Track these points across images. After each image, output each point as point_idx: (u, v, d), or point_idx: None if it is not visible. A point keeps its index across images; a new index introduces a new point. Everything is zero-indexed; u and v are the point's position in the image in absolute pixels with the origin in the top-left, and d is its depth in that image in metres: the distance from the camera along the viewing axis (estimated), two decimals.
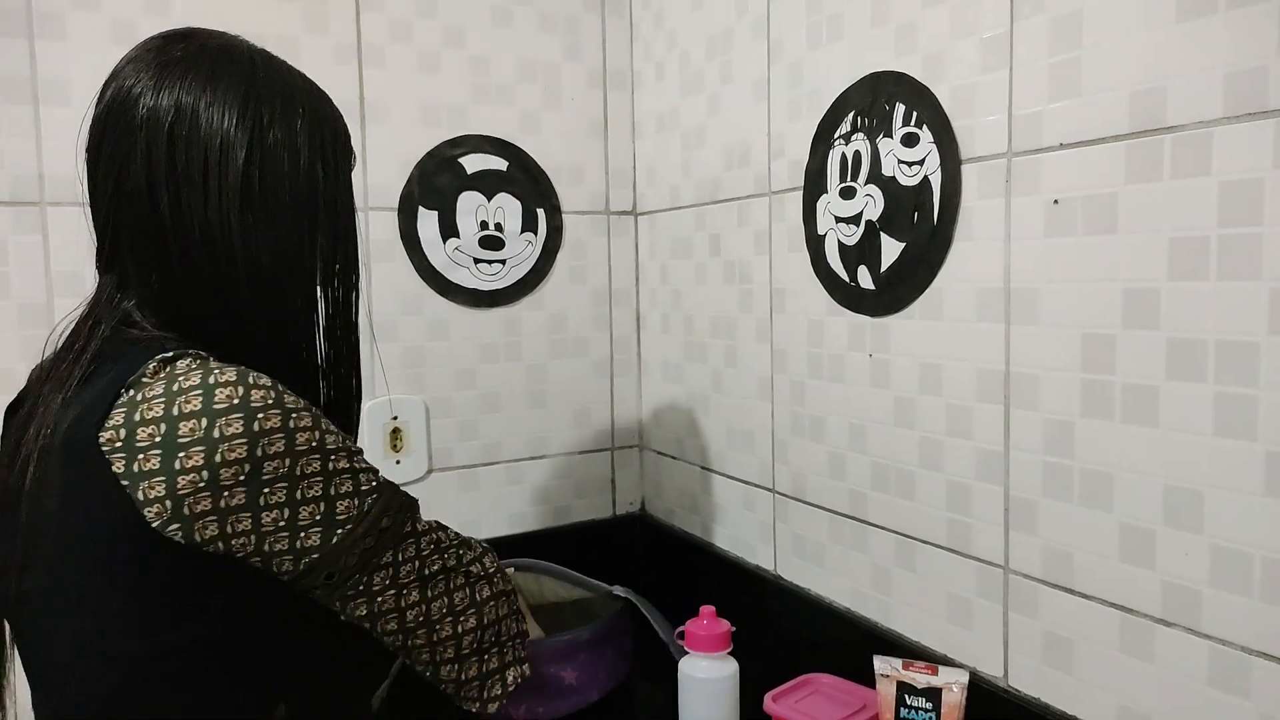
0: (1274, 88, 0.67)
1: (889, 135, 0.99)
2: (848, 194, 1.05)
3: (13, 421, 0.77)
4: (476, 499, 1.44)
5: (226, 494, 0.65)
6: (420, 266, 1.37)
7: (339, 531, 0.70)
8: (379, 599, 0.74)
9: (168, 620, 0.68)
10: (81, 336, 0.73)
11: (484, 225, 1.41)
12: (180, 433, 0.65)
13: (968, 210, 0.91)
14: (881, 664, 0.93)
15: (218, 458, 0.65)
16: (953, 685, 0.89)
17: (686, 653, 1.03)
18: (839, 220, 1.07)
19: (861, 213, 1.04)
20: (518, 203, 1.43)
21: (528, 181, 1.44)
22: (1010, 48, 0.86)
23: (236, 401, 0.66)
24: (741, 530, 1.32)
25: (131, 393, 0.66)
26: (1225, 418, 0.71)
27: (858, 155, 1.04)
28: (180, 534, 0.65)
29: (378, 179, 1.34)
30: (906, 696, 0.91)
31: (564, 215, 1.48)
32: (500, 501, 1.46)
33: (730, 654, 1.03)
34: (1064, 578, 0.85)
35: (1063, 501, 0.84)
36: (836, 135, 1.07)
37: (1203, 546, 0.74)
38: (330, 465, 0.70)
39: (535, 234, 1.45)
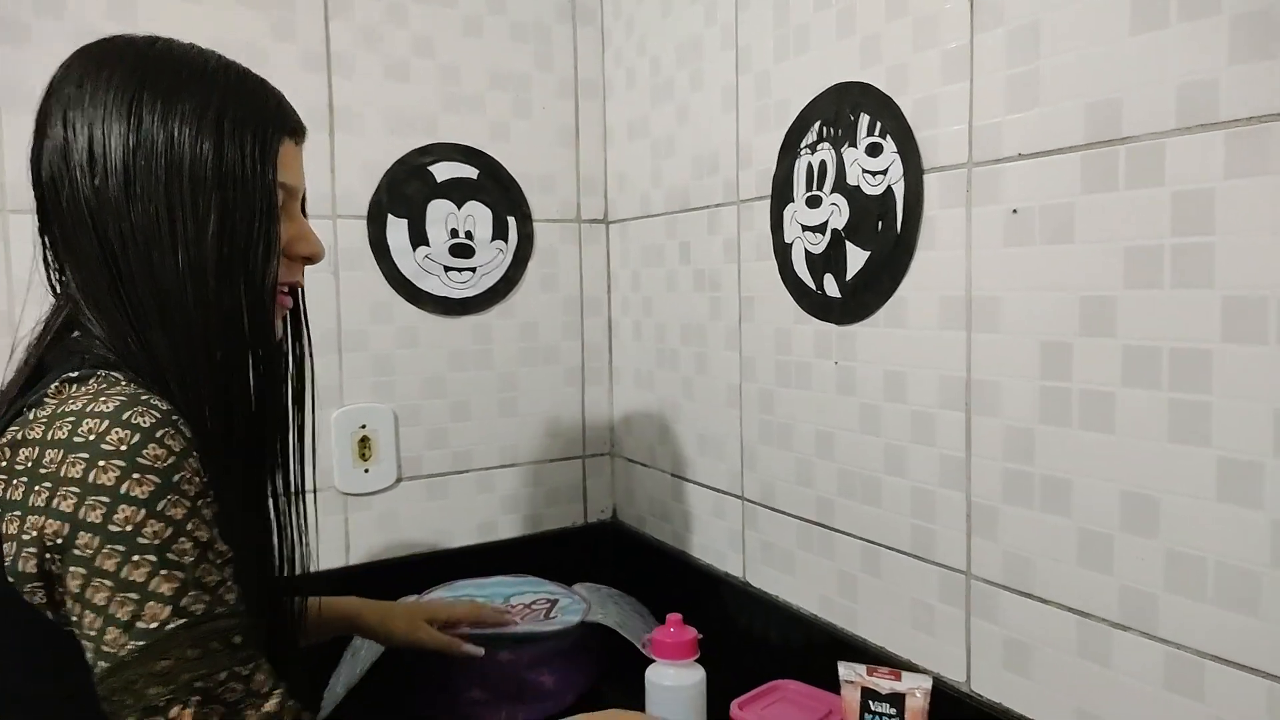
0: (1224, 99, 0.68)
1: (854, 145, 1.00)
2: (814, 203, 1.06)
3: None
4: (446, 508, 1.44)
5: (48, 556, 0.59)
6: (390, 274, 1.37)
7: (100, 665, 0.60)
8: None
9: (47, 666, 0.64)
10: (30, 347, 0.71)
11: (454, 233, 1.41)
12: (44, 461, 0.60)
13: (930, 219, 0.92)
14: (846, 670, 0.93)
15: (54, 502, 0.59)
16: (916, 690, 0.90)
17: (653, 660, 1.04)
18: (806, 229, 1.08)
19: (827, 221, 1.04)
20: (488, 211, 1.43)
21: (498, 189, 1.44)
22: (970, 59, 0.87)
23: (93, 438, 0.60)
24: (711, 537, 1.32)
25: (30, 412, 0.63)
26: (1180, 424, 0.73)
27: (823, 165, 1.04)
28: (17, 585, 0.60)
29: (346, 187, 1.34)
30: (871, 702, 0.91)
31: (535, 223, 1.48)
32: (470, 510, 1.45)
33: (697, 661, 1.03)
34: (1024, 583, 0.86)
35: (1023, 507, 0.85)
36: (803, 145, 1.08)
37: (1158, 551, 0.75)
38: (125, 570, 0.59)
39: (506, 242, 1.45)
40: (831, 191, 1.04)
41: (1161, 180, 0.72)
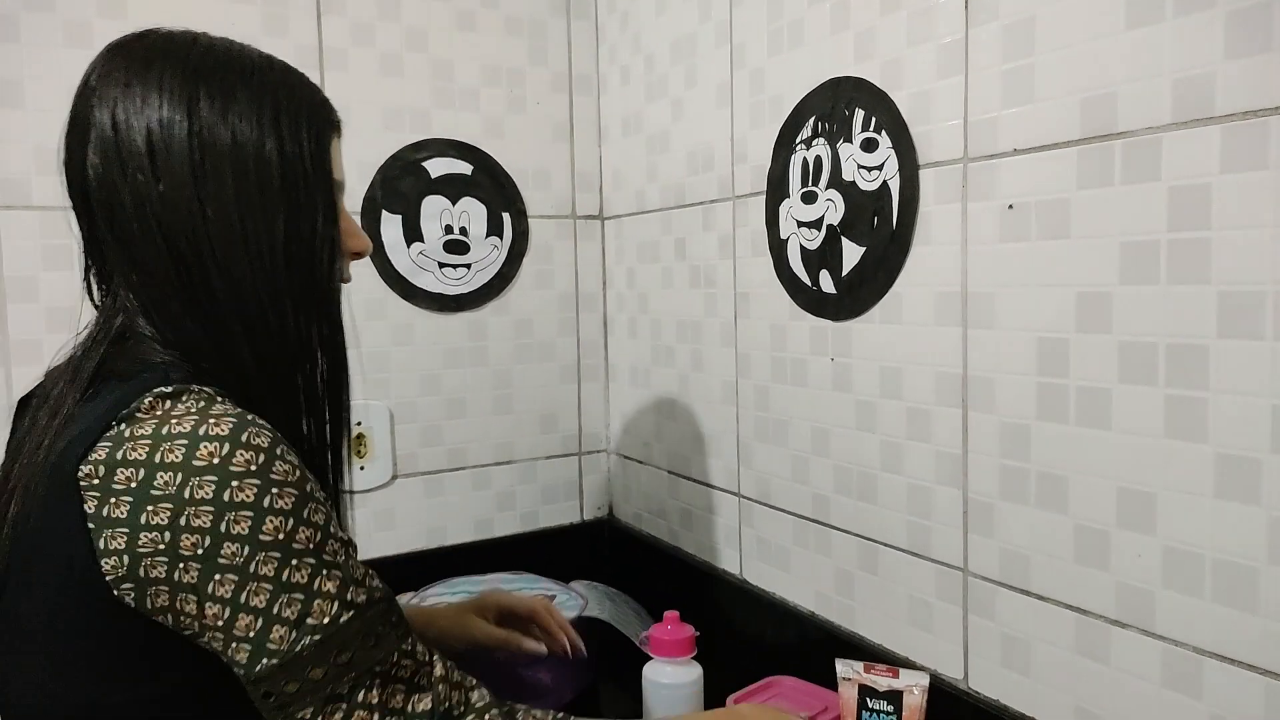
0: (1220, 93, 0.68)
1: (849, 140, 1.00)
2: (809, 198, 1.06)
3: (20, 423, 0.74)
4: (442, 505, 1.43)
5: (182, 566, 0.60)
6: (384, 271, 1.36)
7: (263, 661, 0.61)
8: None
9: (115, 677, 0.63)
10: (77, 357, 0.69)
11: (448, 229, 1.40)
12: (155, 483, 0.60)
13: (925, 215, 0.92)
14: (843, 667, 0.93)
15: (183, 520, 0.59)
16: (913, 688, 0.90)
17: (651, 657, 1.04)
18: (801, 224, 1.07)
19: (823, 217, 1.04)
20: (483, 207, 1.43)
21: (493, 185, 1.43)
22: (965, 54, 0.87)
23: (217, 461, 0.60)
24: (707, 534, 1.32)
25: (122, 427, 0.62)
26: (1176, 420, 0.72)
27: (819, 160, 1.04)
28: (132, 595, 0.60)
29: None
30: (868, 699, 0.91)
31: (530, 219, 1.47)
32: (466, 507, 1.45)
33: (694, 659, 1.03)
34: (1021, 580, 0.86)
35: (1019, 504, 0.85)
36: (798, 140, 1.07)
37: (1155, 548, 0.74)
38: (286, 574, 0.61)
39: (501, 238, 1.44)
40: (827, 187, 1.03)
41: (1158, 175, 0.72)
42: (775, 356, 1.14)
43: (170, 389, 0.64)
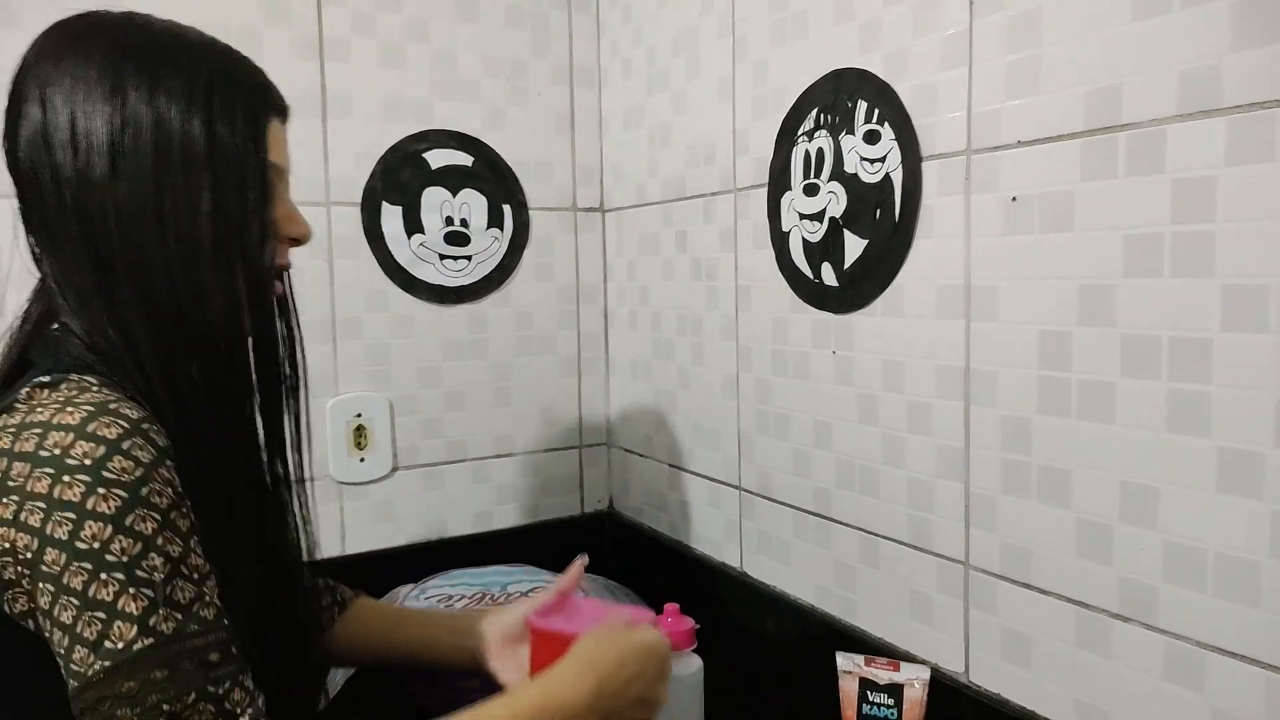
0: (1226, 86, 0.68)
1: (851, 132, 0.99)
2: (811, 191, 1.05)
3: None
4: (442, 497, 1.43)
5: (20, 569, 0.57)
6: (384, 262, 1.36)
7: (70, 683, 0.57)
8: None
9: (19, 674, 0.61)
10: (8, 344, 0.69)
11: (449, 221, 1.40)
12: (11, 474, 0.58)
13: (928, 207, 0.92)
14: (844, 660, 0.93)
15: (21, 516, 0.57)
16: (914, 681, 0.90)
17: None
18: (803, 217, 1.07)
19: (825, 210, 1.04)
20: (483, 198, 1.42)
21: (494, 177, 1.43)
22: (970, 46, 0.86)
23: (58, 452, 0.57)
24: (708, 528, 1.31)
25: (2, 416, 0.61)
26: (1179, 414, 0.72)
27: (821, 152, 1.04)
28: None
29: (340, 173, 1.32)
30: (869, 692, 0.91)
31: (530, 211, 1.47)
32: (466, 500, 1.45)
33: (695, 651, 1.03)
34: (1022, 574, 0.85)
35: (1021, 498, 0.85)
36: (800, 132, 1.07)
37: (1157, 542, 0.74)
38: (93, 589, 0.56)
39: (501, 230, 1.44)
40: (829, 179, 1.03)
41: (1162, 167, 0.72)
42: (776, 349, 1.14)
43: (49, 378, 0.62)
